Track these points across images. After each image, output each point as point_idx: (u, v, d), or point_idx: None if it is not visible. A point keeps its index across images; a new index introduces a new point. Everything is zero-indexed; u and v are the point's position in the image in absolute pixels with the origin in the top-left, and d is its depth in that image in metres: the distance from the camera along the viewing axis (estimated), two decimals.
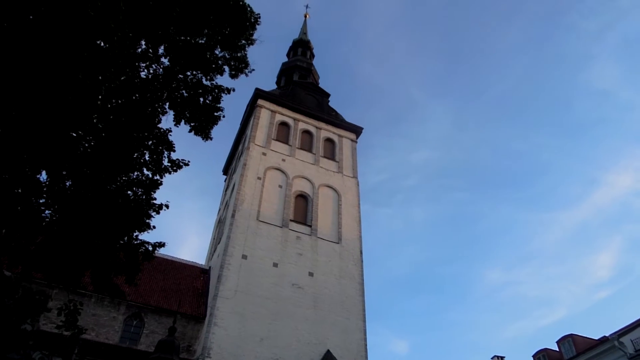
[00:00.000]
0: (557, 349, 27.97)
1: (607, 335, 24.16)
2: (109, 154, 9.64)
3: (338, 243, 35.51)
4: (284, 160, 38.73)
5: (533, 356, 29.23)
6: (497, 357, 37.92)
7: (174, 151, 11.23)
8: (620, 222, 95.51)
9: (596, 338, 25.93)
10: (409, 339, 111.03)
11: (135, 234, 10.18)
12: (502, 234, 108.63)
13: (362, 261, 35.47)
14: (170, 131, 11.33)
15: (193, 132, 11.82)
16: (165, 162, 11.08)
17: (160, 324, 27.57)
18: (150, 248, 10.25)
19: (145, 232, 10.23)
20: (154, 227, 10.33)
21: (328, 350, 29.24)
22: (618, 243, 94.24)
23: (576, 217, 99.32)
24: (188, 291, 31.24)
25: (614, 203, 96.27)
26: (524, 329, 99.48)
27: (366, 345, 31.24)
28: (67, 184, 9.81)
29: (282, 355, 28.20)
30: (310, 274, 32.60)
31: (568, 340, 27.25)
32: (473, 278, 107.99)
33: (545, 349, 28.79)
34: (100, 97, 9.49)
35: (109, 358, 22.67)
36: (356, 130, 45.25)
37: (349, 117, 48.10)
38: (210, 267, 34.79)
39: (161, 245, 10.48)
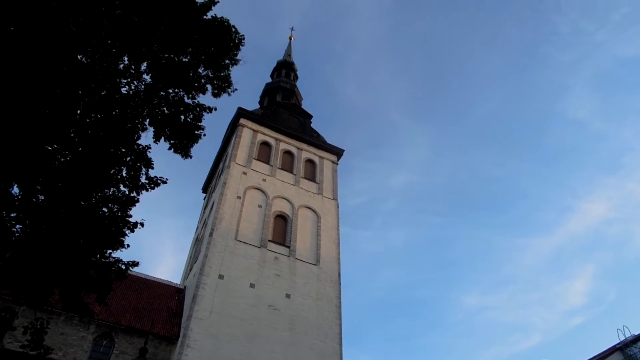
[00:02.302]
0: None
1: None
2: (85, 169, 9.48)
3: (316, 265, 35.31)
4: (264, 180, 38.63)
5: None
6: None
7: (152, 168, 11.12)
8: (593, 249, 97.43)
9: None
10: None
11: (108, 252, 9.94)
12: (478, 259, 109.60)
13: (340, 284, 35.26)
14: (150, 148, 11.23)
15: (173, 149, 11.72)
16: (143, 179, 10.94)
17: (131, 344, 26.79)
18: (123, 267, 10.00)
19: (119, 251, 10.01)
20: (128, 245, 10.12)
21: None
22: (591, 270, 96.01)
23: (550, 243, 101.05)
24: (162, 311, 30.51)
25: (587, 231, 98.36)
26: (499, 354, 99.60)
27: None
28: (40, 198, 9.59)
29: None
30: (288, 296, 32.24)
31: None
32: (449, 302, 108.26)
33: None
34: (78, 111, 9.39)
35: None
36: (337, 152, 45.53)
37: (330, 138, 48.59)
38: (185, 287, 34.14)
39: (135, 264, 10.25)
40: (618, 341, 25.22)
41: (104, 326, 26.96)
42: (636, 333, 24.86)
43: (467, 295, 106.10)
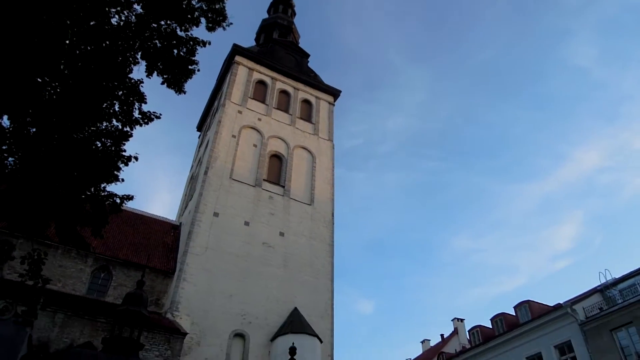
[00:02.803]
0: (514, 314, 29.30)
1: (561, 302, 25.40)
2: (76, 102, 9.28)
3: (310, 205, 35.79)
4: (259, 119, 38.28)
5: (491, 319, 30.56)
6: (457, 319, 39.64)
7: (146, 103, 10.89)
8: (583, 197, 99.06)
9: (551, 305, 27.21)
10: (375, 300, 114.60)
11: (102, 186, 9.95)
12: (471, 203, 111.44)
13: (333, 223, 35.95)
14: (142, 82, 10.95)
15: (166, 84, 11.45)
16: (136, 114, 10.75)
17: (129, 277, 27.56)
18: (118, 200, 10.05)
19: (113, 184, 10.01)
20: (123, 180, 10.10)
21: (295, 308, 29.94)
22: (580, 217, 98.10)
23: (542, 189, 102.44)
24: (158, 246, 31.17)
25: (579, 178, 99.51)
26: (485, 294, 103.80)
27: (333, 304, 32.13)
28: (32, 130, 9.47)
29: (251, 312, 28.76)
30: (281, 234, 32.93)
31: (525, 305, 28.54)
32: (440, 244, 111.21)
33: (503, 313, 30.13)
34: (67, 41, 9.05)
35: (75, 308, 22.62)
36: (334, 93, 44.88)
37: (327, 79, 47.76)
38: (181, 223, 34.69)
39: (129, 198, 10.29)
40: (599, 284, 26.23)
41: (102, 260, 27.59)
42: (617, 277, 25.81)
43: (457, 238, 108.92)
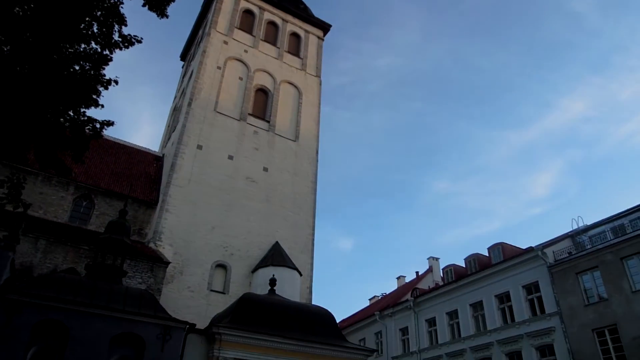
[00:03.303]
0: (487, 255, 30.43)
1: (533, 246, 26.37)
2: (51, 20, 8.76)
3: (295, 141, 35.63)
4: (246, 51, 37.05)
5: (465, 259, 31.72)
6: (433, 257, 41.09)
7: (126, 25, 10.33)
8: (565, 146, 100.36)
9: (523, 248, 28.24)
10: (354, 238, 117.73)
11: (82, 110, 9.63)
12: (453, 147, 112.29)
13: (317, 160, 36.03)
14: (122, 3, 10.35)
15: (147, 6, 10.83)
16: (116, 37, 10.23)
17: (111, 206, 27.58)
18: (98, 126, 9.77)
19: (93, 109, 9.68)
20: (102, 105, 9.76)
21: (277, 242, 30.62)
22: (559, 165, 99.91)
23: (525, 137, 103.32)
24: (140, 177, 31.01)
25: (562, 127, 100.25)
26: (461, 235, 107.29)
27: (313, 239, 32.90)
28: (6, 49, 8.99)
29: (233, 244, 29.34)
30: (265, 169, 32.97)
31: (498, 247, 29.58)
32: (421, 186, 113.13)
33: (477, 254, 31.24)
34: None
35: (57, 235, 22.73)
36: (324, 27, 43.38)
37: (317, 12, 45.80)
38: (164, 155, 34.36)
39: (110, 123, 10.00)
40: (570, 229, 27.18)
41: (83, 188, 27.42)
42: (589, 224, 26.72)
43: (438, 181, 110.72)
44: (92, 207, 27.49)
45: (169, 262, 25.21)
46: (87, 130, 9.97)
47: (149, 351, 16.73)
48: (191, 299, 26.31)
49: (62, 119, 9.53)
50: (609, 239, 23.62)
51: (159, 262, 24.50)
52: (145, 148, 34.93)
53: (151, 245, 26.54)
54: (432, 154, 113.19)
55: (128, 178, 29.86)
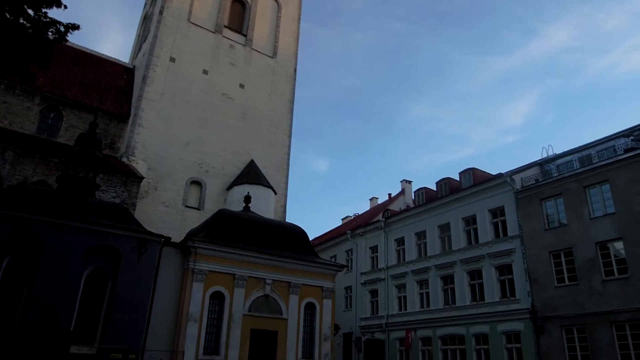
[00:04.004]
0: (458, 179, 31.22)
1: (502, 172, 27.09)
2: None
3: (273, 57, 34.47)
4: None
5: (436, 183, 32.51)
6: (406, 180, 42.01)
7: None
8: (544, 75, 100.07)
9: (493, 174, 29.01)
10: (330, 159, 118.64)
11: (43, 10, 8.88)
12: (435, 72, 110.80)
13: (295, 79, 35.17)
14: None
15: None
16: None
17: (80, 119, 26.67)
18: (63, 29, 9.10)
19: (55, 8, 8.94)
20: (66, 6, 9.01)
21: (252, 160, 30.59)
22: (537, 95, 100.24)
23: (506, 64, 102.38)
24: (110, 89, 29.78)
25: (544, 56, 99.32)
26: (435, 160, 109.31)
27: (289, 159, 32.99)
28: None
29: (207, 161, 29.17)
30: (241, 86, 32.08)
31: (469, 172, 30.32)
32: (398, 110, 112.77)
33: (448, 178, 31.99)
34: None
35: (25, 147, 22.04)
36: None
37: None
38: (134, 67, 32.83)
39: (75, 27, 9.31)
40: (540, 158, 27.89)
41: (50, 99, 26.25)
42: (558, 152, 27.41)
43: (417, 105, 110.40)
44: (60, 119, 26.53)
45: (143, 177, 25.03)
46: (50, 34, 9.30)
47: (125, 263, 17.08)
48: (166, 214, 26.52)
49: (22, 19, 8.82)
50: (575, 168, 24.41)
51: (132, 177, 24.29)
52: (114, 59, 33.23)
53: (124, 159, 26.14)
54: (412, 78, 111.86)
55: (97, 90, 28.66)
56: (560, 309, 21.88)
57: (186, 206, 27.62)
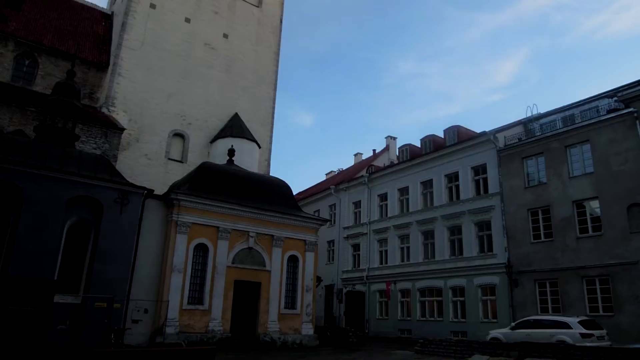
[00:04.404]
0: (443, 137, 31.30)
1: (486, 130, 27.21)
2: None
3: (258, 7, 33.35)
4: None
5: (421, 140, 32.58)
6: (390, 137, 41.98)
7: None
8: (533, 33, 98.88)
9: (478, 132, 29.11)
10: (315, 114, 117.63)
11: None
12: (423, 26, 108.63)
13: (280, 30, 34.23)
14: None
15: None
16: None
17: (57, 67, 25.74)
18: None
19: None
20: None
21: (236, 113, 30.15)
22: (524, 54, 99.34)
23: (496, 20, 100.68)
24: (88, 36, 28.62)
25: (535, 13, 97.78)
26: (420, 117, 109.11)
27: (273, 113, 32.61)
28: None
29: (190, 113, 28.67)
30: (225, 36, 31.14)
31: (453, 130, 30.38)
32: (385, 66, 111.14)
33: (433, 135, 32.05)
34: None
35: (0, 95, 21.28)
36: None
37: None
38: (113, 13, 31.46)
39: None
40: (524, 117, 28.00)
41: (24, 45, 25.19)
42: (542, 112, 27.53)
43: (404, 61, 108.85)
44: (35, 66, 25.58)
45: (124, 129, 24.55)
46: None
47: (107, 214, 17.00)
48: (149, 166, 26.25)
49: None
50: (558, 128, 24.62)
51: (113, 128, 23.80)
52: (91, 3, 31.70)
53: (104, 110, 25.53)
54: (400, 32, 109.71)
55: (74, 36, 27.53)
56: (534, 263, 22.66)
57: (169, 159, 27.35)
